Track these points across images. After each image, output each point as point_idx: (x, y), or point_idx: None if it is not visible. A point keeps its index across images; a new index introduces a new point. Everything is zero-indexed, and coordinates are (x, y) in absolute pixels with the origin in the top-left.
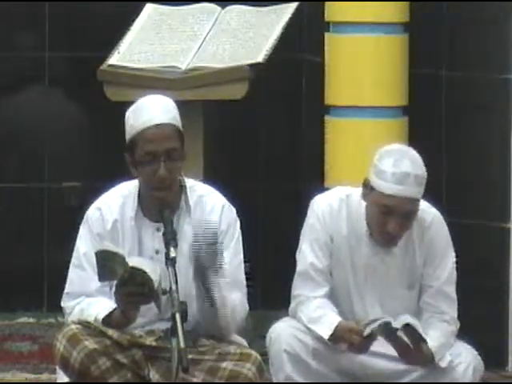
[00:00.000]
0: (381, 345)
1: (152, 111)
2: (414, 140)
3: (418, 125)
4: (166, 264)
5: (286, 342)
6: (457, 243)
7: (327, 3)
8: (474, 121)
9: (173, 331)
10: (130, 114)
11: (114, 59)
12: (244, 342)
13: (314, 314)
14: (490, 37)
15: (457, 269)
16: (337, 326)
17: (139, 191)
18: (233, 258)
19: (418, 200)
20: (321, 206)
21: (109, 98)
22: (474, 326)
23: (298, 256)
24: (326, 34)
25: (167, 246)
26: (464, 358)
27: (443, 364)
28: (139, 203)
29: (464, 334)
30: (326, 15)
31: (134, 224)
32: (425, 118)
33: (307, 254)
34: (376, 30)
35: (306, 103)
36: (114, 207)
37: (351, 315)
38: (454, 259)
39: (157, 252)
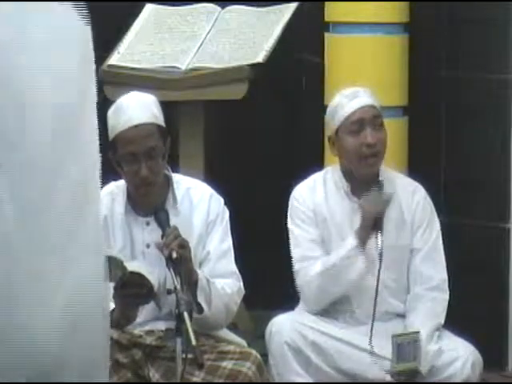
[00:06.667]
0: (381, 347)
1: (130, 111)
2: (414, 140)
3: (418, 125)
4: (167, 264)
5: (287, 334)
6: (457, 243)
7: (327, 3)
8: (473, 121)
9: (178, 331)
10: (110, 115)
11: (114, 59)
12: (243, 342)
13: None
14: (489, 37)
15: (457, 269)
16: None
17: (128, 187)
18: (219, 244)
19: (378, 109)
20: (297, 189)
21: (109, 98)
22: (474, 325)
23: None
24: (326, 34)
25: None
26: (461, 353)
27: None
28: (128, 199)
29: (464, 333)
30: (325, 15)
31: (123, 219)
32: (425, 118)
33: (295, 231)
34: (376, 30)
35: (306, 103)
36: (104, 204)
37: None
38: (439, 229)
39: (147, 246)
